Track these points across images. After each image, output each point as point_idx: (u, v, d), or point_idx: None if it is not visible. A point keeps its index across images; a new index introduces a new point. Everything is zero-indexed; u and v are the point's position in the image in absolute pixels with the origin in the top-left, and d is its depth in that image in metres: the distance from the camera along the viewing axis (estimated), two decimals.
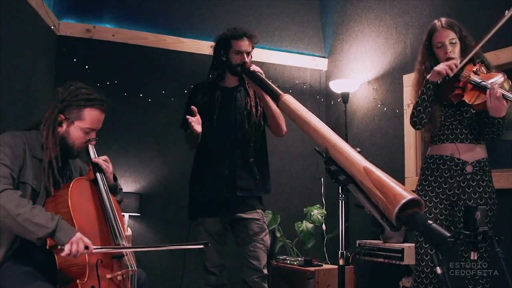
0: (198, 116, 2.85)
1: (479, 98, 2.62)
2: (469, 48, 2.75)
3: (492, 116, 2.61)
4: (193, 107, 2.84)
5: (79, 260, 2.04)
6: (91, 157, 2.38)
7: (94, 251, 2.06)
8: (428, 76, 2.73)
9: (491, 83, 2.58)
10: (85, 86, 2.35)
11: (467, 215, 2.41)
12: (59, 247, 1.97)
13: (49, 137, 2.22)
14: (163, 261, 4.36)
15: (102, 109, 2.33)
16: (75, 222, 2.09)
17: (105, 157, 2.42)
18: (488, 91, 2.56)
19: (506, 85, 2.61)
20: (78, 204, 2.16)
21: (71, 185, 2.18)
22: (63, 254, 1.97)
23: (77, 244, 1.99)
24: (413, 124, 2.82)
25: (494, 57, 3.35)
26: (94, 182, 2.33)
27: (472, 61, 2.73)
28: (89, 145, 2.37)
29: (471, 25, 2.99)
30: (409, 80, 4.26)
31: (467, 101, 2.67)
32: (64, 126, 2.27)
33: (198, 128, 2.83)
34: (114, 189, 2.47)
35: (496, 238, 2.42)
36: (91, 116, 2.28)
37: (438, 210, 2.78)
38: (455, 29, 2.75)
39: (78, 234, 2.02)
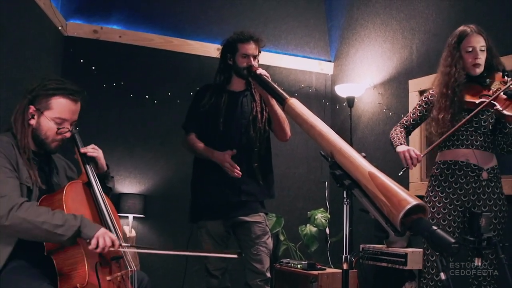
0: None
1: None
2: (493, 60, 2.78)
3: None
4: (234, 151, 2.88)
5: (78, 264, 2.02)
6: (79, 149, 2.31)
7: (121, 249, 2.09)
8: (397, 148, 2.87)
9: None
10: (58, 78, 2.27)
11: (472, 221, 2.41)
12: (87, 241, 2.00)
13: (18, 128, 2.15)
14: (166, 262, 4.36)
15: (73, 98, 2.19)
16: None
17: (92, 145, 2.35)
18: None
19: None
20: (73, 209, 2.11)
21: (65, 190, 2.13)
22: (90, 248, 1.99)
23: (103, 238, 2.00)
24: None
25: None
26: (88, 184, 2.28)
27: (503, 73, 2.73)
28: (77, 140, 2.31)
29: None
30: (414, 85, 4.27)
31: (503, 111, 2.62)
32: (36, 117, 2.17)
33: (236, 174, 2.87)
34: (106, 176, 2.42)
35: (501, 244, 2.42)
36: (59, 105, 2.17)
37: (452, 217, 2.76)
38: (484, 37, 2.76)
39: (103, 230, 2.04)
